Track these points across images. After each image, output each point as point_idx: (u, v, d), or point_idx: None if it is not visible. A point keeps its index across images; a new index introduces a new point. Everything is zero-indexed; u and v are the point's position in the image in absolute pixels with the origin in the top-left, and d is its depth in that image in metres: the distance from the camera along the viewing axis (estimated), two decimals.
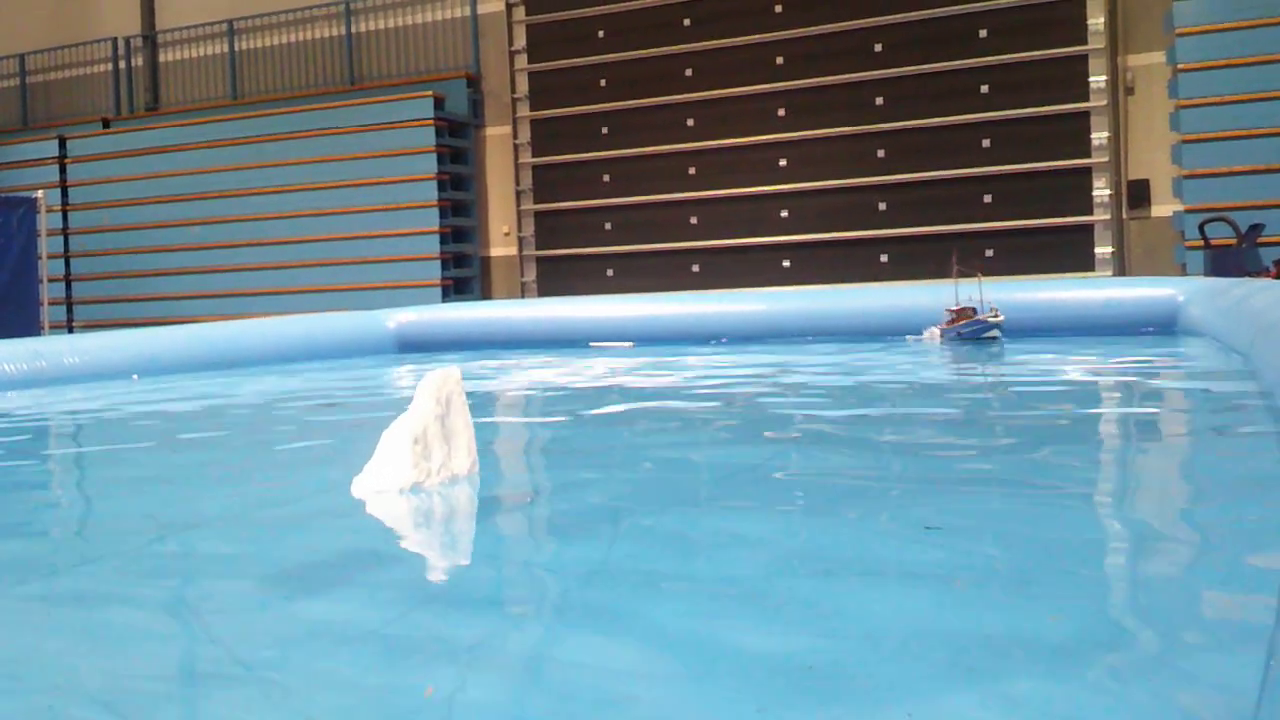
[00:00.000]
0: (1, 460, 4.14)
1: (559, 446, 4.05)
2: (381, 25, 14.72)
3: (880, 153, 11.69)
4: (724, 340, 8.18)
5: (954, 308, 7.31)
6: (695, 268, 12.51)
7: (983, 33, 11.23)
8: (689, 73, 12.54)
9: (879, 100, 11.68)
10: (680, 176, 12.57)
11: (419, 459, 2.76)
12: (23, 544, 2.67)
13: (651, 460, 3.52)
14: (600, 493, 2.93)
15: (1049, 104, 10.94)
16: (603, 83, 12.97)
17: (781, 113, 12.13)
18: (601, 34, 13.00)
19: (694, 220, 12.57)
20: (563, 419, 4.78)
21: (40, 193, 11.80)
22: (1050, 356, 6.32)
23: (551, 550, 2.38)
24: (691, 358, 7.19)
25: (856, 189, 11.83)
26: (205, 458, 4.04)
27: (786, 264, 12.11)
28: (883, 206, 11.71)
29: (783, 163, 12.16)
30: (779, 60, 12.14)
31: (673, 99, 12.58)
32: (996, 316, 7.06)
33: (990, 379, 5.70)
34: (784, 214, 12.18)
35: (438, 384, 2.82)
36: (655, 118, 12.70)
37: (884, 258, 11.70)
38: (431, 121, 13.36)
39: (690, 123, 12.53)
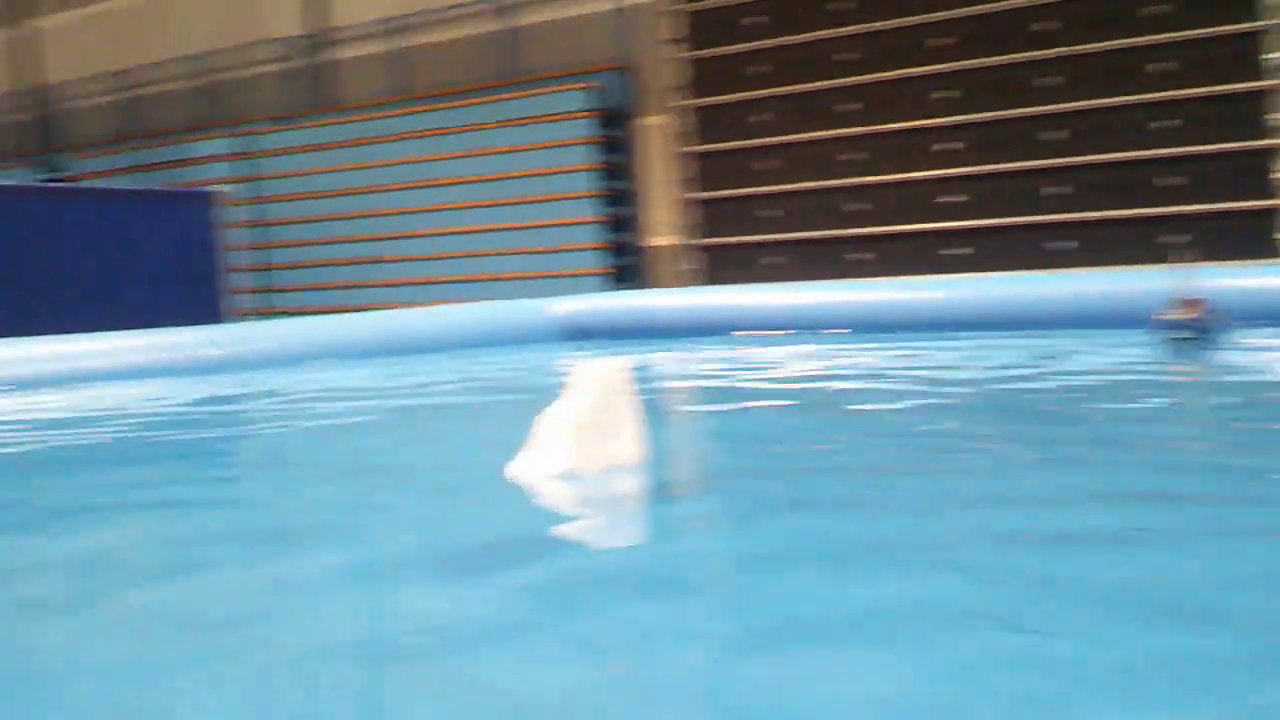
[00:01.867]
0: (200, 441, 4.33)
1: (728, 436, 3.98)
2: (540, 19, 14.90)
3: (1057, 134, 11.22)
4: (896, 330, 7.97)
5: (1183, 299, 6.02)
6: (866, 255, 12.26)
7: (1151, 10, 10.67)
8: (855, 55, 12.27)
9: (1052, 80, 11.23)
10: (846, 162, 12.33)
11: (576, 446, 2.75)
12: (227, 513, 2.77)
13: (827, 451, 3.42)
14: (772, 484, 2.85)
15: (1223, 83, 10.33)
16: (765, 68, 12.82)
17: (954, 94, 11.76)
18: (764, 18, 12.85)
19: (864, 206, 12.32)
20: (730, 408, 4.72)
21: (220, 187, 12.36)
22: None
23: (718, 540, 2.31)
24: (861, 346, 7.03)
25: (1028, 174, 11.41)
26: (376, 441, 4.13)
27: (960, 250, 11.75)
28: (1052, 190, 11.26)
29: (957, 146, 11.80)
30: (948, 40, 11.77)
31: (838, 82, 12.33)
32: (1217, 315, 5.99)
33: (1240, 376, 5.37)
34: (961, 199, 11.81)
35: (599, 372, 2.80)
36: (819, 102, 12.48)
37: (1057, 244, 11.26)
38: (589, 113, 13.45)
39: (856, 106, 12.27)
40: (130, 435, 4.40)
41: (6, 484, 3.50)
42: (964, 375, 5.39)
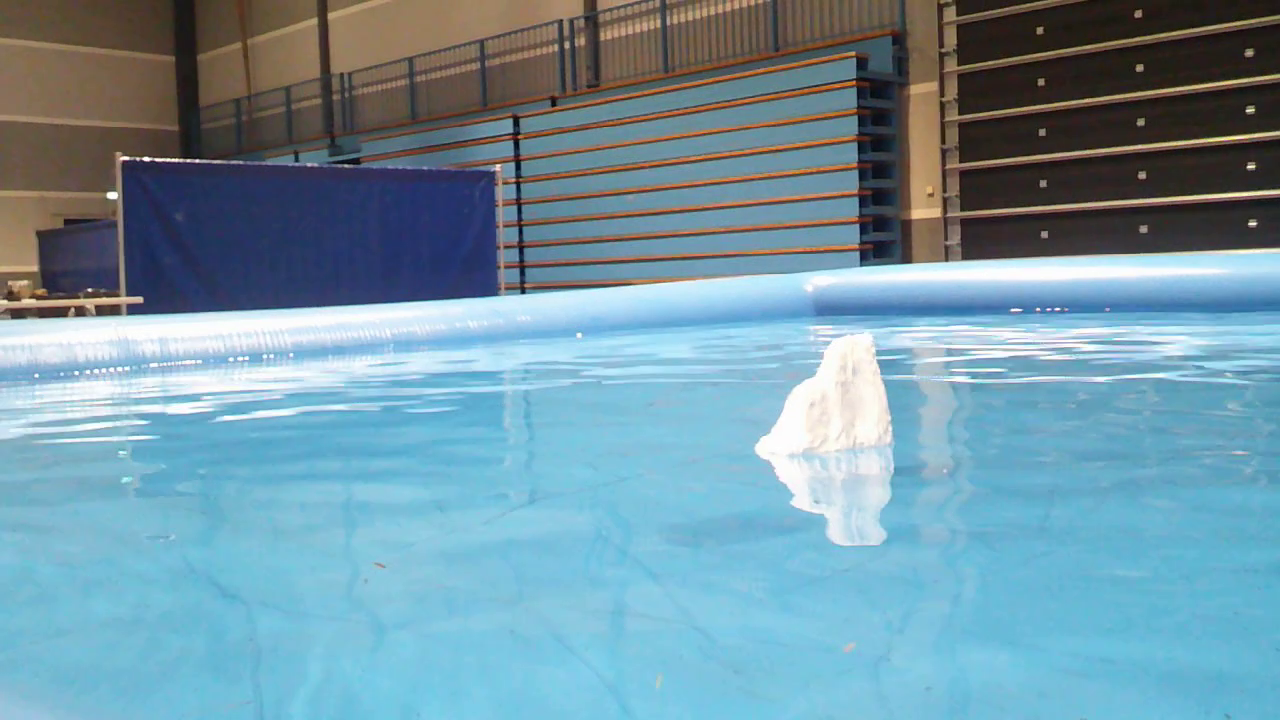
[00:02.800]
0: (467, 402, 4.60)
1: (985, 419, 3.82)
2: None
3: None
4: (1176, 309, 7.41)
5: None
6: (1143, 228, 11.46)
7: None
8: (1137, 14, 11.45)
9: None
10: (1127, 128, 11.54)
11: (815, 424, 2.71)
12: (484, 470, 2.93)
13: (1098, 437, 3.22)
14: (1024, 472, 2.70)
15: None
16: (1039, 30, 12.17)
17: (1249, 53, 10.77)
18: None
19: (1142, 176, 11.51)
20: (990, 389, 4.53)
21: (497, 167, 12.97)
22: None
23: (958, 527, 2.23)
24: (1139, 326, 6.58)
25: None
26: (627, 415, 4.23)
27: (1253, 223, 10.78)
28: None
29: (1249, 110, 10.81)
30: None
31: (1118, 44, 11.55)
32: None
33: None
34: (1250, 167, 10.84)
35: (845, 349, 2.74)
36: (1097, 65, 11.73)
37: None
38: (854, 83, 13.20)
39: (1139, 69, 11.45)
40: (397, 398, 4.74)
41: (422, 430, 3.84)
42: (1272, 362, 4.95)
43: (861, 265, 12.50)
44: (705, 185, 14.61)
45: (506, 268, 13.23)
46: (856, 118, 13.18)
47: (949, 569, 1.90)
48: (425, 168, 15.63)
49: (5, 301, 10.12)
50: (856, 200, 13.15)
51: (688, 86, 15.04)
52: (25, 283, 11.70)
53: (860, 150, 13.21)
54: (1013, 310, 7.78)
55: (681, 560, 1.97)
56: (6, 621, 1.76)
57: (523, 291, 15.97)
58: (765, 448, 2.77)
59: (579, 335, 7.38)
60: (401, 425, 4.09)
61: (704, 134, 14.61)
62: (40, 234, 21.07)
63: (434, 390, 5.17)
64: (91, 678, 1.49)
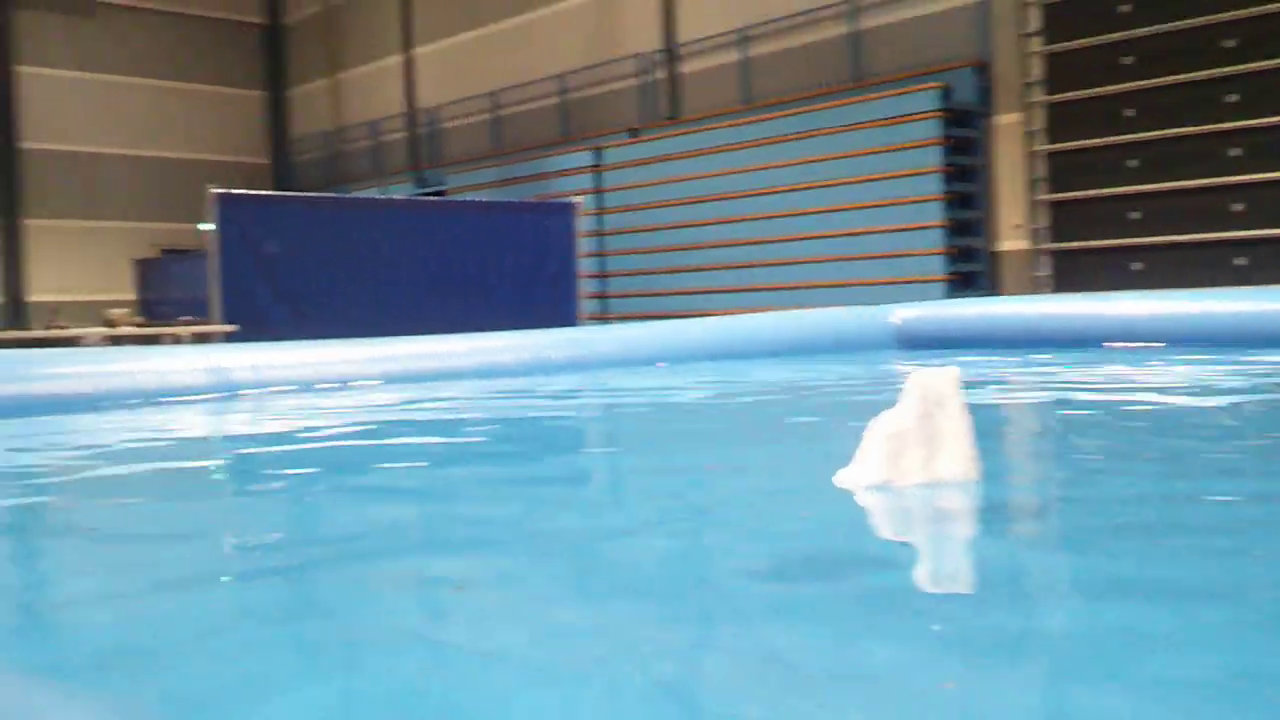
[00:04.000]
0: (548, 430, 4.62)
1: (1076, 458, 3.70)
2: (886, 20, 14.67)
3: None
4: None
5: None
6: (1239, 260, 11.15)
7: None
8: (1228, 43, 11.19)
9: None
10: (1221, 159, 11.26)
11: (893, 456, 2.65)
12: (560, 501, 2.93)
13: (1199, 478, 3.11)
14: (1114, 511, 2.61)
15: None
16: (1128, 60, 11.96)
17: None
18: (1127, 7, 11.99)
19: (1238, 208, 11.20)
20: (1083, 426, 4.40)
21: (578, 198, 13.09)
22: None
23: (1043, 570, 2.16)
24: (1236, 362, 6.38)
25: None
26: (707, 444, 4.21)
27: None
28: None
29: None
30: None
31: (1209, 73, 11.30)
32: None
33: None
34: None
35: (928, 381, 2.69)
36: (1188, 95, 11.48)
37: None
38: (937, 113, 13.09)
39: (1232, 98, 11.18)
40: (496, 425, 4.78)
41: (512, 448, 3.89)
42: None
43: (947, 297, 12.34)
44: (785, 216, 14.57)
45: (587, 298, 13.32)
46: (940, 148, 13.06)
47: (1036, 612, 1.84)
48: (507, 199, 15.84)
49: (104, 329, 10.45)
50: (940, 231, 13.01)
51: (768, 118, 15.04)
52: (123, 310, 12.07)
53: (944, 181, 13.07)
54: (1106, 345, 7.59)
55: (760, 595, 1.94)
56: (104, 635, 1.79)
57: (604, 321, 16.06)
58: (843, 480, 2.73)
59: (660, 365, 7.38)
60: (486, 453, 4.12)
61: (784, 165, 14.59)
62: (138, 263, 21.76)
63: (516, 417, 5.20)
64: (189, 689, 1.51)
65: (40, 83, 23.71)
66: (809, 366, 7.26)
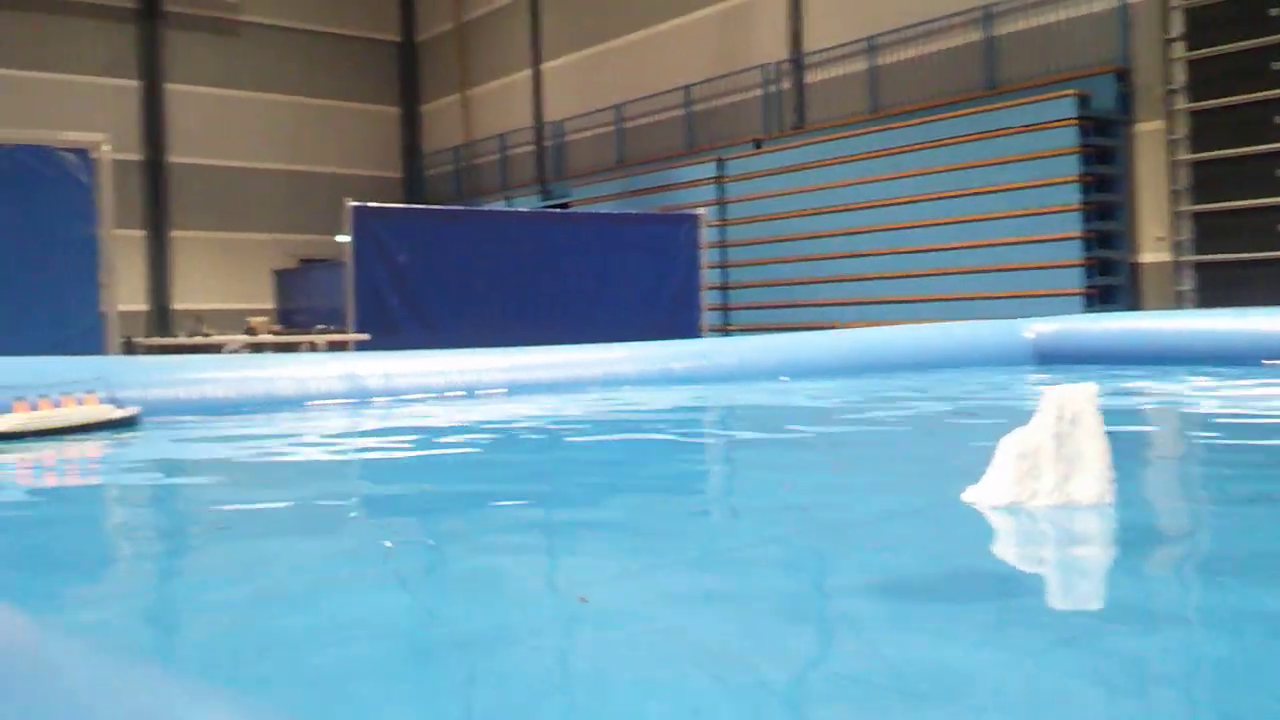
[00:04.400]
0: (668, 443, 4.61)
1: (1222, 483, 3.49)
2: (1022, 26, 14.30)
3: None
4: None
5: None
6: None
7: None
8: None
9: None
10: None
11: (1024, 476, 2.55)
12: (684, 514, 2.90)
13: None
14: (1269, 543, 2.45)
15: None
16: (1275, 65, 11.40)
17: None
18: (1277, 10, 11.43)
19: None
20: (1232, 450, 4.16)
21: (702, 210, 13.08)
22: None
23: (1176, 598, 2.03)
24: None
25: None
26: (832, 457, 4.13)
27: None
28: None
29: None
30: None
31: None
32: None
33: None
34: None
35: (1063, 399, 2.58)
36: None
37: None
38: (1074, 121, 12.68)
39: None
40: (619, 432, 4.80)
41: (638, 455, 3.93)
42: None
43: (1085, 311, 11.93)
44: (915, 227, 14.29)
45: (710, 310, 13.30)
46: (1078, 157, 12.65)
47: (1172, 647, 1.74)
48: (631, 211, 15.93)
49: (245, 336, 10.84)
50: (1079, 243, 12.59)
51: (897, 126, 14.79)
52: (263, 319, 12.50)
53: (1082, 191, 12.65)
54: (1266, 363, 7.21)
55: (881, 612, 1.89)
56: (253, 634, 1.84)
57: (726, 333, 16.00)
58: (971, 498, 2.65)
59: (783, 379, 7.30)
60: (609, 462, 4.12)
61: (914, 174, 14.31)
62: (277, 273, 22.58)
63: (638, 428, 5.20)
64: (325, 688, 1.53)
65: (187, 100, 24.83)
66: (939, 381, 7.09)
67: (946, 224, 13.92)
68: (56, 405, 4.77)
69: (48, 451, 4.44)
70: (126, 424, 4.90)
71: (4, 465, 4.15)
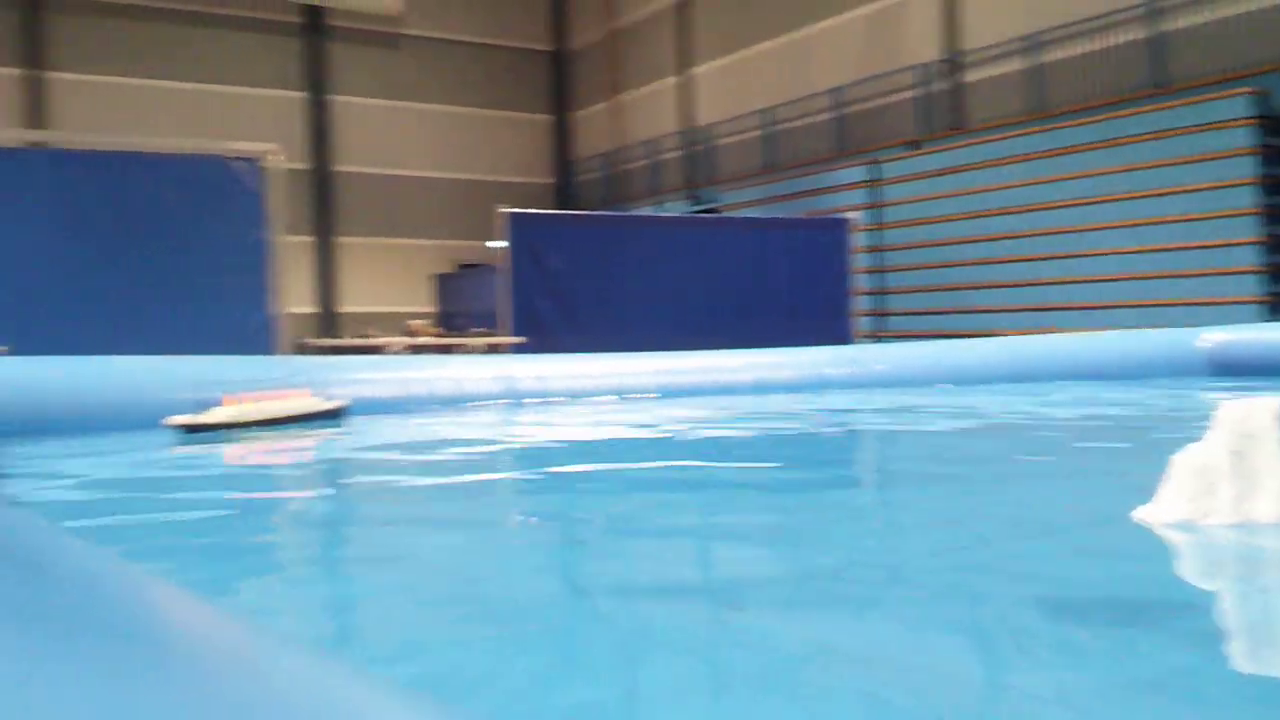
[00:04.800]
0: (833, 449, 4.55)
1: None
2: (1192, 21, 13.63)
3: None
4: None
5: None
6: None
7: None
8: None
9: None
10: None
11: (1199, 494, 2.42)
12: (832, 524, 2.85)
13: None
14: None
15: None
16: None
17: None
18: None
19: None
20: None
21: (853, 214, 12.89)
22: None
23: None
24: None
25: None
26: (993, 472, 4.00)
27: None
28: None
29: None
30: None
31: None
32: None
33: None
34: None
35: (1241, 414, 2.43)
36: None
37: None
38: (1250, 120, 12.03)
39: None
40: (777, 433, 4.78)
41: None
42: None
43: (1262, 320, 11.29)
44: (1080, 231, 13.77)
45: (862, 315, 13.10)
46: (1254, 158, 11.99)
47: None
48: (780, 216, 15.82)
49: (406, 339, 11.21)
50: (1255, 248, 11.92)
51: (1060, 127, 14.28)
52: (423, 321, 12.89)
53: (1259, 193, 11.98)
54: None
55: (1045, 632, 1.82)
56: (408, 631, 1.89)
57: (879, 340, 15.73)
58: (1143, 516, 2.53)
59: (943, 387, 7.13)
60: (761, 470, 4.09)
61: (1077, 176, 13.79)
62: (436, 277, 23.27)
63: (791, 435, 5.15)
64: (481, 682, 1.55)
65: (352, 110, 25.81)
66: (1107, 392, 6.82)
67: (1113, 228, 13.37)
68: (268, 399, 5.15)
69: (268, 440, 4.75)
70: (335, 415, 5.33)
71: (237, 452, 4.45)
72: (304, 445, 4.80)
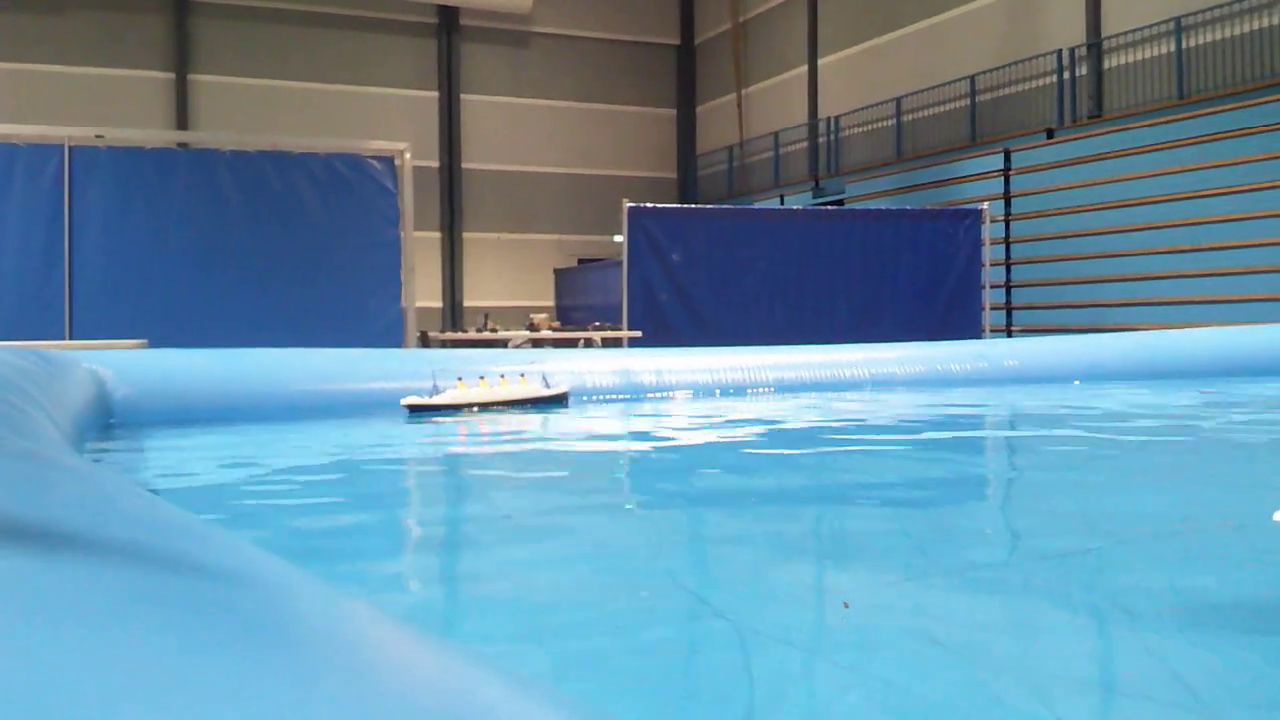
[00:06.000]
0: (957, 443, 4.42)
1: None
2: None
3: None
4: None
5: None
6: None
7: None
8: None
9: None
10: None
11: None
12: (955, 523, 2.76)
13: None
14: None
15: None
16: None
17: None
18: None
19: None
20: None
21: (985, 205, 12.54)
22: None
23: None
24: None
25: None
26: (1123, 469, 3.84)
27: None
28: None
29: None
30: None
31: None
32: None
33: None
34: None
35: None
36: None
37: None
38: None
39: None
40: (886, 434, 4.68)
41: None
42: None
43: None
44: (1225, 221, 13.12)
45: (993, 309, 12.74)
46: None
47: None
48: (909, 207, 15.50)
49: (527, 332, 11.35)
50: None
51: (1205, 113, 13.62)
52: (544, 315, 13.06)
53: None
54: None
55: (1182, 634, 1.72)
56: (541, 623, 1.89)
57: (1010, 334, 15.28)
58: None
59: (1076, 383, 6.88)
60: (876, 466, 4.01)
61: (1224, 165, 13.13)
62: (557, 272, 23.54)
63: (909, 429, 5.04)
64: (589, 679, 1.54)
65: (479, 108, 26.29)
66: (1250, 389, 6.49)
67: (1262, 218, 12.69)
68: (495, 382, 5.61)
69: (502, 420, 5.27)
70: (558, 400, 5.76)
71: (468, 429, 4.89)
72: (528, 426, 5.08)
